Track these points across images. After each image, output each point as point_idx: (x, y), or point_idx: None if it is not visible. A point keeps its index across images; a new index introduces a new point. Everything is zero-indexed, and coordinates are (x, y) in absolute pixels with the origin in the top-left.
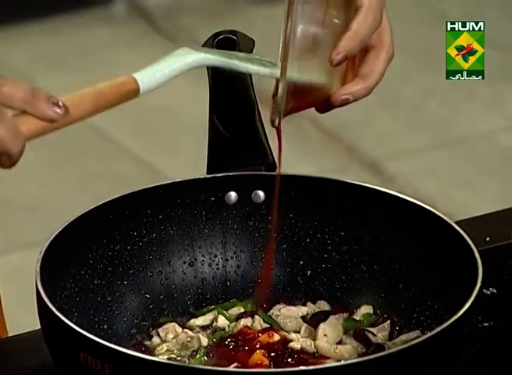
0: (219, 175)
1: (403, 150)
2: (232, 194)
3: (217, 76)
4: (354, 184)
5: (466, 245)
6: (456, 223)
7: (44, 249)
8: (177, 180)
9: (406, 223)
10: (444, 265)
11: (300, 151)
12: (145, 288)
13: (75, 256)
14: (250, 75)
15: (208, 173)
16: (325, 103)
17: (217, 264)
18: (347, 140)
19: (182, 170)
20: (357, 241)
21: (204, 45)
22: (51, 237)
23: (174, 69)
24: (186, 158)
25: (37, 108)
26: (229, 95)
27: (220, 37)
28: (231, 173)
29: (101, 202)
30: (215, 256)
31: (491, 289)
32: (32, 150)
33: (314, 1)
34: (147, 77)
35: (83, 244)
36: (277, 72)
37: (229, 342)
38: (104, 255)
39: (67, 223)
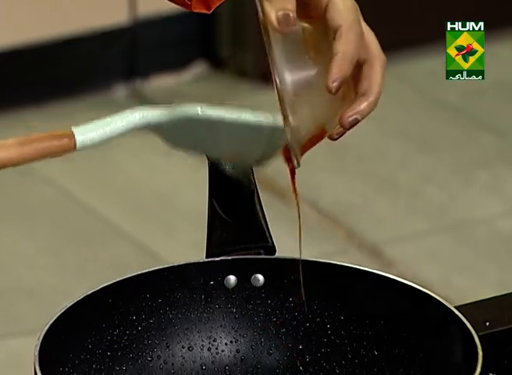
0: (218, 259)
1: (403, 234)
2: (232, 278)
3: (216, 160)
4: (353, 268)
5: (465, 330)
6: (456, 307)
7: (42, 334)
8: (176, 264)
9: (405, 308)
10: (443, 349)
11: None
12: (144, 373)
13: (73, 341)
14: None
15: (207, 256)
16: (336, 130)
17: (216, 348)
18: (346, 223)
19: (181, 254)
20: (357, 326)
21: None
22: (50, 323)
23: (117, 127)
24: (184, 242)
25: None
26: (228, 180)
27: None
28: (230, 257)
29: (99, 287)
30: (214, 340)
31: (491, 374)
32: (29, 236)
33: (293, 44)
34: (85, 132)
35: (81, 329)
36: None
37: None
38: (102, 339)
39: (65, 308)
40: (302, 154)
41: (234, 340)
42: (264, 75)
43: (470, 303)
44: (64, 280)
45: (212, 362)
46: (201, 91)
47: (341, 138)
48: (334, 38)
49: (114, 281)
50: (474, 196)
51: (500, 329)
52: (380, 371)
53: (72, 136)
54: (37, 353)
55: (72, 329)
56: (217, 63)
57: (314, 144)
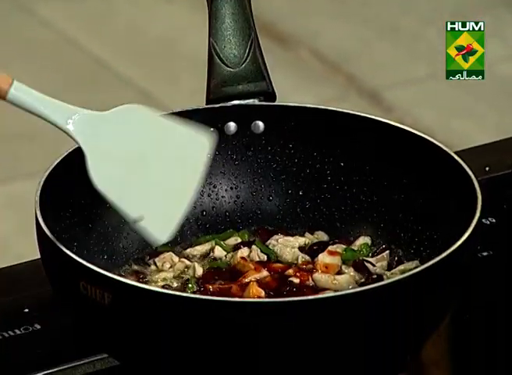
0: (218, 105)
1: (403, 79)
2: (232, 125)
3: (216, 4)
4: (353, 114)
5: (465, 175)
6: (456, 153)
7: (43, 179)
8: (176, 111)
9: (405, 154)
10: (443, 195)
11: (299, 80)
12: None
13: (74, 186)
14: (250, 4)
15: (207, 103)
16: None
17: (216, 194)
18: (346, 69)
19: (181, 100)
20: (356, 172)
21: None
22: (50, 168)
23: (50, 116)
24: (185, 88)
25: None
26: (229, 25)
27: None
28: (230, 104)
29: None
30: (215, 187)
31: (490, 219)
32: (29, 80)
33: None
34: (23, 92)
35: (82, 174)
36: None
37: (224, 273)
38: None
39: (66, 154)
40: None
41: (234, 186)
42: None
43: (469, 148)
44: None
45: (212, 207)
46: None
47: None
48: None
49: None
50: None
51: (500, 173)
52: (379, 216)
53: (9, 84)
54: (37, 198)
55: (72, 174)
56: None
57: None
